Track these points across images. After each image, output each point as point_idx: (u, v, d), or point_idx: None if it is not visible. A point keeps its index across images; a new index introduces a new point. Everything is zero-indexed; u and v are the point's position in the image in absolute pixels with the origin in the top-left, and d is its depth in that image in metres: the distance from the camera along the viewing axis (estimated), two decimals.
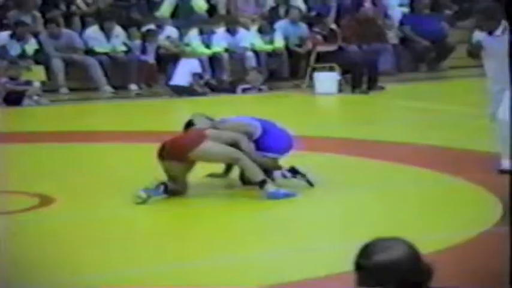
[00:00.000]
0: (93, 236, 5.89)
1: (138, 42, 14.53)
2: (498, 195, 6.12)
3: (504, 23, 6.69)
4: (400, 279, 2.38)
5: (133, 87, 14.19)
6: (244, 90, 13.85)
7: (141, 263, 5.25)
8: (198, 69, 13.88)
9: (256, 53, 14.77)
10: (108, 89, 14.00)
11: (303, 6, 15.74)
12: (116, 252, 5.50)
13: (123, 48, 14.44)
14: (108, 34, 14.39)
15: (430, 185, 6.89)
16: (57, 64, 13.85)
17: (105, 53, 14.28)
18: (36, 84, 13.00)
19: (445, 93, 13.41)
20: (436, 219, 6.02)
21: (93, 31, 14.42)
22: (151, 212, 6.51)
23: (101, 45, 14.33)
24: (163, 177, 6.72)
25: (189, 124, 7.15)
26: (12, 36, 13.76)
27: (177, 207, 6.60)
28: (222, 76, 14.51)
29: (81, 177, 7.73)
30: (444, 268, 3.60)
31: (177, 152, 6.60)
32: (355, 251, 2.45)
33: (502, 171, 6.55)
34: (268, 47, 14.93)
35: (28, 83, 12.91)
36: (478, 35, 7.32)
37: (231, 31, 14.81)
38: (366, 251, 2.44)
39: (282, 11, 15.52)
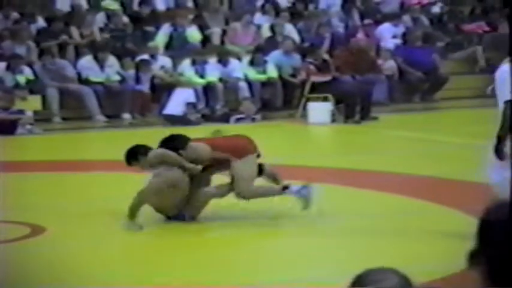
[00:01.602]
0: (85, 264, 5.86)
1: (132, 72, 14.56)
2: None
3: None
4: None
5: (126, 116, 14.20)
6: (237, 120, 13.87)
7: None
8: (192, 99, 13.91)
9: (250, 83, 14.82)
10: (101, 118, 14.00)
11: (296, 37, 15.83)
12: (107, 278, 5.46)
13: (117, 77, 14.47)
14: (102, 64, 14.43)
15: (424, 215, 6.88)
16: (52, 94, 13.87)
17: (100, 83, 14.31)
18: (29, 113, 13.01)
19: (438, 124, 13.45)
20: (430, 249, 6.00)
21: (87, 61, 14.46)
22: (142, 239, 6.48)
23: (95, 74, 14.36)
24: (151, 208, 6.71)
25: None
26: (7, 67, 13.81)
27: (171, 233, 6.57)
28: (215, 106, 14.54)
29: (73, 207, 7.69)
30: None
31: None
32: (347, 282, 2.44)
33: None
34: (262, 77, 14.98)
35: (20, 112, 12.91)
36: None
37: (223, 61, 14.86)
38: (358, 283, 2.43)
39: (279, 39, 15.59)
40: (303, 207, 6.57)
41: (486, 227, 1.50)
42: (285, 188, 6.61)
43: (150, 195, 6.61)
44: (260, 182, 6.85)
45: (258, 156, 6.77)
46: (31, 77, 13.96)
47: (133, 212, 6.54)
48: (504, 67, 6.29)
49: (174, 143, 6.86)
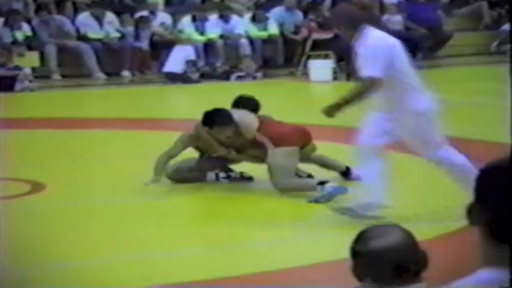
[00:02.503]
0: (82, 223, 5.83)
1: (131, 28, 14.42)
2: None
3: None
4: (395, 266, 2.35)
5: (126, 74, 14.10)
6: (238, 78, 13.77)
7: (128, 251, 5.19)
8: (192, 56, 13.79)
9: (251, 40, 14.69)
10: (100, 75, 13.90)
11: None
12: (103, 239, 5.44)
13: (117, 34, 14.34)
14: (100, 20, 14.29)
15: (423, 172, 6.82)
16: (50, 50, 13.75)
17: (99, 40, 14.18)
18: (27, 69, 12.92)
19: (441, 82, 13.33)
20: (432, 207, 5.97)
21: (85, 17, 14.31)
22: (140, 200, 6.43)
23: (94, 31, 14.23)
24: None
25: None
26: (5, 23, 13.67)
27: (171, 195, 6.54)
28: (216, 63, 14.42)
29: (72, 164, 7.66)
30: (439, 256, 3.54)
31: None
32: (349, 238, 2.41)
33: None
34: (263, 34, 14.84)
35: (18, 68, 12.83)
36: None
37: (224, 18, 14.71)
38: (362, 237, 2.41)
39: None
40: (316, 199, 6.08)
41: (483, 182, 1.45)
42: (321, 183, 6.20)
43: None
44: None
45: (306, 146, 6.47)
46: (29, 33, 13.84)
47: (158, 169, 6.46)
48: None
49: (244, 105, 6.71)
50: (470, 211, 1.49)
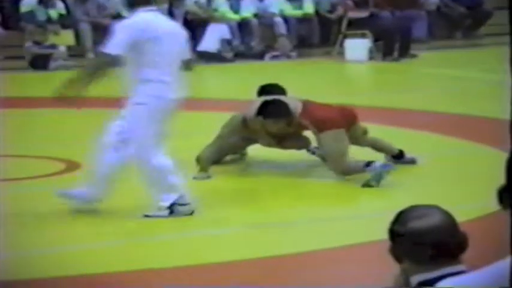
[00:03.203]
0: (116, 201, 5.83)
1: (165, 7, 14.39)
2: None
3: None
4: (435, 247, 2.31)
5: None
6: (273, 57, 13.69)
7: (167, 229, 5.18)
8: (227, 35, 13.73)
9: (286, 19, 14.58)
10: None
11: None
12: (141, 212, 5.44)
13: None
14: None
15: (465, 154, 6.74)
16: (85, 29, 13.79)
17: None
18: (62, 48, 12.97)
19: (480, 61, 13.16)
20: (472, 188, 5.88)
21: None
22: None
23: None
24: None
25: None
26: (40, 1, 13.73)
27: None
28: (250, 42, 14.35)
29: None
30: (478, 237, 3.46)
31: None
32: (387, 219, 2.35)
33: None
34: (298, 13, 14.73)
35: (53, 46, 12.89)
36: None
37: None
38: (401, 218, 2.37)
39: None
40: (367, 183, 5.97)
41: None
42: (368, 164, 6.05)
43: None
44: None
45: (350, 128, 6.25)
46: (63, 11, 13.88)
47: (204, 165, 6.37)
48: None
49: (272, 93, 6.56)
50: (502, 195, 1.45)
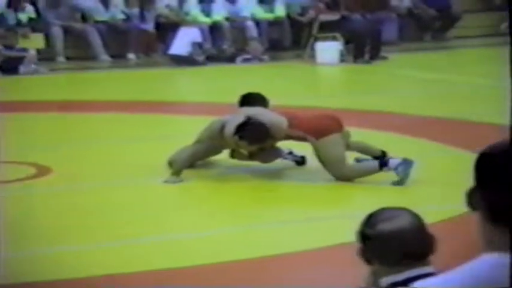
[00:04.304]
0: (87, 206, 5.80)
1: (136, 10, 14.35)
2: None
3: None
4: (403, 249, 2.32)
5: (131, 56, 14.05)
6: (244, 60, 13.70)
7: (137, 234, 5.16)
8: (198, 39, 13.71)
9: (257, 22, 14.60)
10: (105, 58, 13.86)
11: None
12: (112, 222, 5.41)
13: (122, 16, 14.27)
14: (106, 2, 14.22)
15: (435, 156, 6.78)
16: (57, 32, 13.70)
17: (104, 22, 14.12)
18: (32, 51, 12.88)
19: (449, 63, 13.27)
20: (441, 190, 5.92)
21: None
22: (148, 184, 6.40)
23: (99, 13, 14.16)
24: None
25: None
26: (8, 5, 13.62)
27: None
28: (222, 46, 14.35)
29: (77, 148, 7.62)
30: (447, 239, 3.49)
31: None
32: (358, 221, 2.36)
33: None
34: (269, 16, 14.75)
35: (23, 50, 12.78)
36: None
37: (230, 0, 14.63)
38: (370, 221, 2.38)
39: None
40: (396, 183, 5.97)
41: (484, 166, 1.44)
42: (383, 165, 6.06)
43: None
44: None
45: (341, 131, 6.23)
46: (33, 15, 13.77)
47: (178, 169, 6.30)
48: None
49: (255, 103, 6.46)
50: (471, 196, 1.45)
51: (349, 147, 6.37)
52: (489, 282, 1.33)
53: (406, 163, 6.05)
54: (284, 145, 6.54)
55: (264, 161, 6.46)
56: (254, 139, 6.19)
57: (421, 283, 1.46)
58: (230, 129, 6.20)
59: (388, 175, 6.08)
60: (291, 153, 6.62)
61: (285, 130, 6.19)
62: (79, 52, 13.95)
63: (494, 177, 1.39)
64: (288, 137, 6.26)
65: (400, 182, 5.99)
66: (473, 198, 1.46)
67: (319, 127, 6.15)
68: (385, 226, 2.35)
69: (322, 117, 6.33)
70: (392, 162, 6.07)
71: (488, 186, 1.41)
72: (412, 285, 1.68)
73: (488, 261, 1.34)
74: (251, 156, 6.45)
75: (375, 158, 6.46)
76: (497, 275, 1.33)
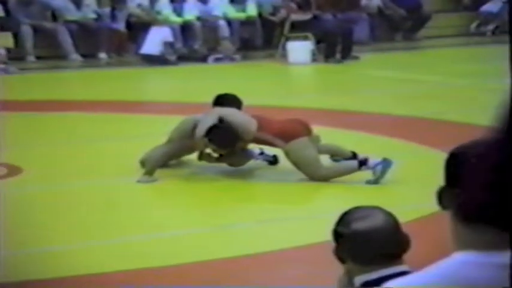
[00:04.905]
0: (58, 206, 5.76)
1: (107, 9, 14.27)
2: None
3: None
4: (377, 248, 2.33)
5: (102, 55, 13.97)
6: (216, 60, 13.68)
7: (110, 234, 5.14)
8: (170, 38, 13.67)
9: (229, 22, 14.59)
10: (76, 57, 13.77)
11: None
12: (83, 223, 5.37)
13: (94, 16, 14.18)
14: (77, 1, 14.12)
15: (407, 155, 6.82)
16: (27, 31, 13.58)
17: (74, 21, 14.02)
18: (1, 51, 12.75)
19: (420, 63, 13.36)
20: (414, 189, 5.96)
21: None
22: (119, 182, 6.37)
23: (70, 12, 14.06)
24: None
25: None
26: None
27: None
28: (193, 45, 14.32)
29: (48, 147, 7.57)
30: (421, 238, 3.51)
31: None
32: (334, 220, 2.37)
33: None
34: (241, 15, 14.75)
35: None
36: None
37: None
38: (344, 219, 2.38)
39: None
40: (371, 182, 6.02)
41: (454, 165, 1.45)
42: (362, 164, 6.08)
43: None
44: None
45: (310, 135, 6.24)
46: (2, 13, 13.64)
47: (151, 168, 6.28)
48: None
49: (229, 104, 6.45)
50: (441, 196, 1.47)
51: (319, 151, 6.39)
52: (460, 281, 1.34)
53: (385, 163, 6.10)
54: (255, 145, 6.55)
55: (233, 164, 6.45)
56: (223, 143, 6.20)
57: (393, 282, 1.46)
58: (201, 130, 6.19)
59: (365, 174, 6.11)
60: (262, 153, 6.62)
61: (254, 133, 6.20)
62: (49, 51, 13.84)
63: (463, 176, 1.40)
64: (257, 140, 6.26)
65: (374, 181, 6.03)
66: (443, 197, 1.47)
67: (288, 130, 6.17)
68: (359, 225, 2.36)
69: (291, 121, 6.36)
70: (372, 162, 6.11)
71: (458, 186, 1.41)
72: (384, 284, 1.69)
73: (460, 259, 1.35)
74: (220, 159, 6.44)
75: (345, 159, 6.49)
76: (468, 274, 1.34)
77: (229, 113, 6.32)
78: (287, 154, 6.19)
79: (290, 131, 6.17)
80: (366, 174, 6.11)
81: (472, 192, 1.37)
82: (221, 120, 6.21)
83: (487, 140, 1.36)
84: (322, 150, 6.43)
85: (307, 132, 6.25)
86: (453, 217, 1.40)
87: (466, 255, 1.35)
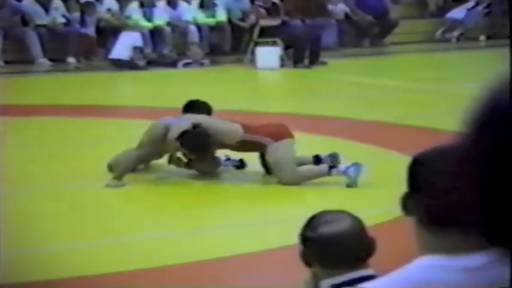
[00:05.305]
0: (28, 212, 5.73)
1: (77, 14, 14.21)
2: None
3: None
4: (343, 252, 2.36)
5: (71, 60, 13.90)
6: (185, 65, 13.69)
7: (83, 237, 5.13)
8: (139, 43, 13.65)
9: (199, 27, 14.60)
10: (44, 61, 13.68)
11: None
12: (51, 228, 5.36)
13: (63, 20, 14.11)
14: (46, 6, 14.04)
15: (372, 160, 6.89)
16: None
17: (44, 25, 13.94)
18: None
19: (387, 69, 13.47)
20: (380, 193, 6.02)
21: (30, 3, 14.05)
22: (88, 188, 6.36)
23: (39, 17, 13.97)
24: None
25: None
26: None
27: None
28: (163, 50, 14.31)
29: (17, 152, 7.52)
30: (386, 241, 3.57)
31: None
32: (301, 224, 2.40)
33: None
34: (211, 21, 14.78)
35: None
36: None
37: (172, 4, 14.61)
38: (311, 224, 2.42)
39: None
40: (348, 185, 6.13)
41: (419, 171, 1.47)
42: (332, 167, 6.21)
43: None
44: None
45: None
46: None
47: (120, 173, 6.28)
48: None
49: (199, 110, 6.47)
50: (406, 201, 1.48)
51: None
52: (425, 285, 1.36)
53: (356, 166, 6.21)
54: (220, 152, 6.57)
55: (202, 170, 6.47)
56: (195, 147, 6.21)
57: (368, 285, 1.50)
58: (174, 134, 6.21)
59: (335, 178, 6.17)
60: (228, 159, 6.66)
61: (240, 136, 6.22)
62: (17, 56, 13.74)
63: (427, 181, 1.41)
64: (242, 144, 6.26)
65: (352, 184, 6.13)
66: (407, 203, 1.47)
67: (277, 131, 6.28)
68: (325, 229, 2.39)
69: (276, 124, 6.46)
70: (342, 166, 6.20)
71: (421, 191, 1.42)
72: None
73: (424, 264, 1.38)
74: (189, 165, 6.47)
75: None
76: (433, 278, 1.37)
77: (205, 120, 6.35)
78: (273, 152, 6.22)
79: (279, 131, 6.28)
80: (337, 178, 6.17)
81: (434, 197, 1.38)
82: (195, 126, 6.24)
83: (450, 145, 1.40)
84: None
85: (292, 135, 6.35)
86: (417, 222, 1.41)
87: (430, 260, 1.38)
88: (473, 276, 1.29)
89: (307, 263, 2.41)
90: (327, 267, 2.37)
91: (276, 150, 6.19)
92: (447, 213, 1.36)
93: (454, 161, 1.31)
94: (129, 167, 6.33)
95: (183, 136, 6.17)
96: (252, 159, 6.54)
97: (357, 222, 2.45)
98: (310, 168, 6.39)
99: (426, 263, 1.36)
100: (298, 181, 6.21)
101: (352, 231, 2.41)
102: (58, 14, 14.11)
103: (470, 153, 1.34)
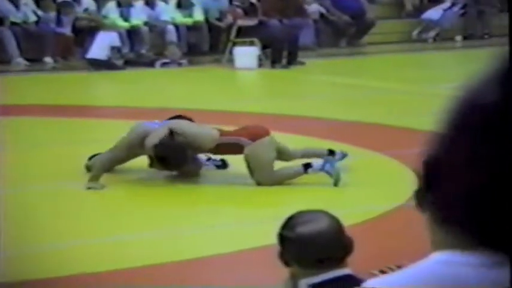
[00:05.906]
0: (6, 212, 5.70)
1: (53, 14, 14.12)
2: (414, 171, 6.19)
3: None
4: (321, 251, 2.38)
5: (48, 60, 13.82)
6: (163, 65, 13.66)
7: (70, 236, 5.12)
8: (117, 43, 13.61)
9: (176, 26, 14.58)
10: (20, 61, 13.59)
11: None
12: (29, 228, 5.34)
13: (34, 17, 13.98)
14: (15, 2, 13.89)
15: (353, 160, 6.92)
16: None
17: (18, 24, 13.83)
18: None
19: (364, 69, 13.53)
20: (359, 193, 6.06)
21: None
22: (67, 189, 6.33)
23: (12, 14, 13.86)
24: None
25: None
26: None
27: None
28: (140, 50, 14.27)
29: None
30: (364, 241, 3.59)
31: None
32: (279, 224, 2.41)
33: None
34: (188, 20, 14.76)
35: None
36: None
37: (149, 4, 14.57)
38: (289, 223, 2.43)
39: None
40: (334, 184, 6.12)
41: (433, 169, 1.45)
42: (307, 166, 6.19)
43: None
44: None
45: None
46: None
47: (97, 173, 6.25)
48: None
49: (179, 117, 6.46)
50: (420, 198, 1.46)
51: (294, 155, 6.48)
52: (436, 280, 1.37)
53: (330, 161, 6.23)
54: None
55: (183, 172, 6.46)
56: (167, 163, 6.18)
57: (371, 283, 1.49)
58: (151, 140, 6.18)
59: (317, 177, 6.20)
60: (209, 159, 6.65)
61: (216, 140, 6.20)
62: None
63: (438, 180, 1.40)
64: (220, 146, 6.25)
65: (336, 181, 6.13)
66: (422, 200, 1.44)
67: (253, 131, 6.26)
68: (303, 228, 2.41)
69: (252, 125, 6.46)
70: (317, 165, 6.20)
71: (433, 189, 1.42)
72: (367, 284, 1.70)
73: (438, 259, 1.38)
74: (171, 167, 6.44)
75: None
76: (447, 273, 1.37)
77: (183, 125, 6.33)
78: (251, 152, 6.20)
79: (255, 131, 6.26)
80: (318, 178, 6.19)
81: (445, 196, 1.38)
82: (172, 131, 6.22)
83: (459, 143, 1.36)
84: (297, 154, 6.52)
85: (269, 132, 6.34)
86: (429, 219, 1.41)
87: (444, 255, 1.37)
88: (486, 273, 1.31)
89: (286, 262, 2.42)
90: (305, 266, 2.39)
91: (254, 150, 6.19)
92: (457, 211, 1.36)
93: (463, 159, 1.31)
94: (104, 168, 6.31)
95: (159, 147, 6.14)
96: (233, 159, 6.54)
97: (335, 221, 2.47)
98: (286, 168, 6.40)
99: (440, 259, 1.36)
100: (275, 182, 6.22)
101: (330, 230, 2.42)
102: (29, 10, 13.99)
103: (450, 153, 1.35)
